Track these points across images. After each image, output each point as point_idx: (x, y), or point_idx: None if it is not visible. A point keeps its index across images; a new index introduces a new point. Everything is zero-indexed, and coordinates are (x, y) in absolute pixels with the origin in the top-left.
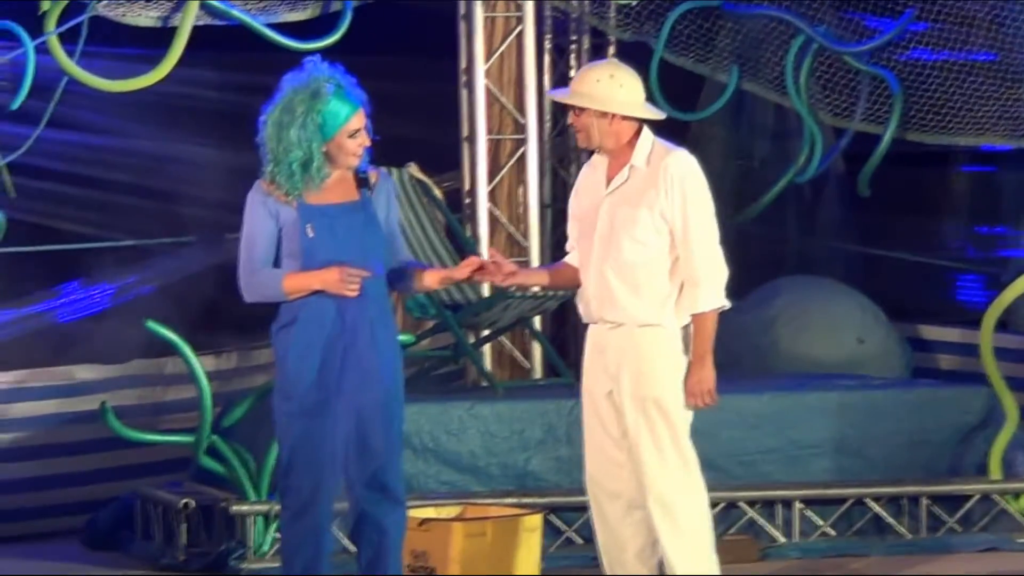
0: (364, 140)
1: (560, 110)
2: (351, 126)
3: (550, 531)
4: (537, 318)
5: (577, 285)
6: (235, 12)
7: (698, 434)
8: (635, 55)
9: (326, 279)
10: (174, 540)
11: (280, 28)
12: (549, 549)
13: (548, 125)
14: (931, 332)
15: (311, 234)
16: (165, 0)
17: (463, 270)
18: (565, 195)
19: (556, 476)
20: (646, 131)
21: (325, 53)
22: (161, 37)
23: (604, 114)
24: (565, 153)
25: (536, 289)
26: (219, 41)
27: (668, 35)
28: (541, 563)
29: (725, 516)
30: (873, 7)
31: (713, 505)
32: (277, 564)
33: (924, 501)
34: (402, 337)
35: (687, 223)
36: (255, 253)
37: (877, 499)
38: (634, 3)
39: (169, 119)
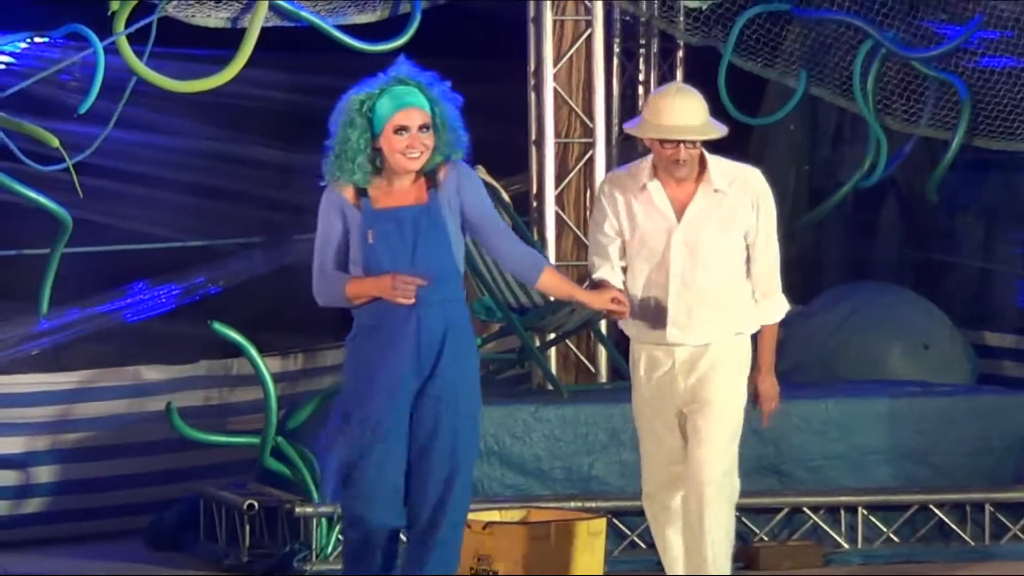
0: (413, 141)
1: (628, 113)
2: (396, 121)
3: (614, 535)
4: (603, 322)
5: None
6: (304, 14)
7: (764, 439)
8: (703, 59)
9: (379, 285)
10: (238, 541)
11: (348, 30)
12: (613, 553)
13: (616, 129)
14: (996, 339)
15: (371, 240)
16: (234, 1)
17: (600, 301)
18: None
19: (620, 480)
20: (704, 151)
21: (394, 55)
22: (229, 38)
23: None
24: (632, 157)
25: None
26: (288, 43)
27: (736, 39)
28: (605, 567)
29: (789, 521)
30: (942, 13)
31: (777, 510)
32: (340, 566)
33: (988, 508)
34: None
35: (768, 238)
36: (324, 255)
37: (941, 505)
38: (704, 7)
39: (237, 120)
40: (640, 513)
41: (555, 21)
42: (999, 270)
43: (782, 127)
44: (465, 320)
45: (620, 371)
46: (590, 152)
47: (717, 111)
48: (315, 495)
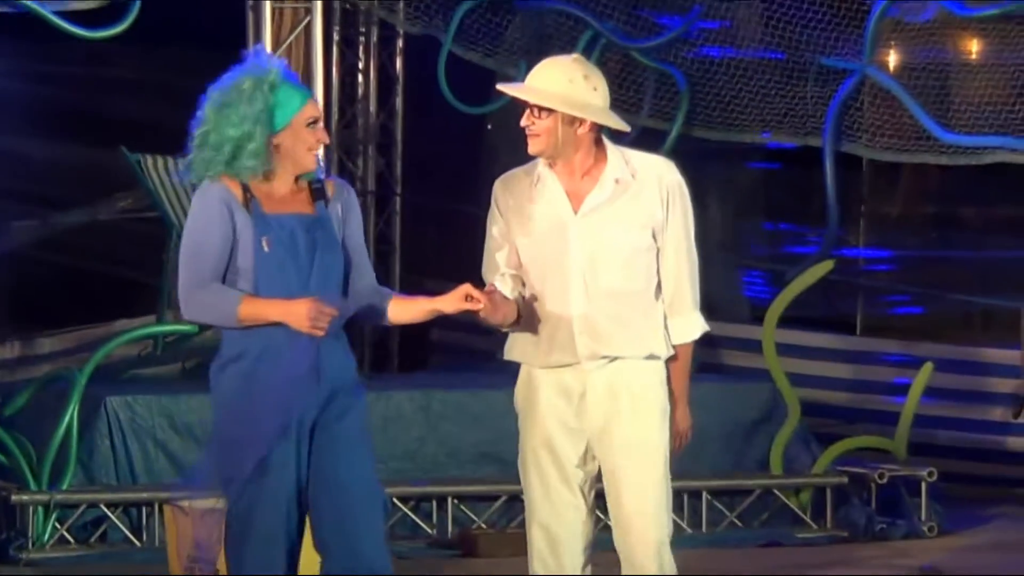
0: (323, 135)
1: (347, 101)
2: (307, 113)
3: None
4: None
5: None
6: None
7: (484, 426)
8: (425, 48)
9: (292, 311)
10: None
11: (68, 16)
12: None
13: (335, 117)
14: (715, 327)
15: (266, 248)
16: None
17: (453, 301)
18: (352, 186)
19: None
20: (605, 139)
21: (115, 41)
22: None
23: (573, 120)
24: (352, 145)
25: None
26: (9, 29)
27: (457, 29)
28: None
29: (509, 508)
30: (662, 4)
31: (496, 497)
32: (57, 554)
33: (705, 496)
34: (186, 327)
35: (679, 241)
36: (204, 263)
37: None
38: None
39: None
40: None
41: (274, 8)
42: (722, 259)
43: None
44: (347, 343)
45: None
46: None
47: (437, 100)
48: (31, 483)
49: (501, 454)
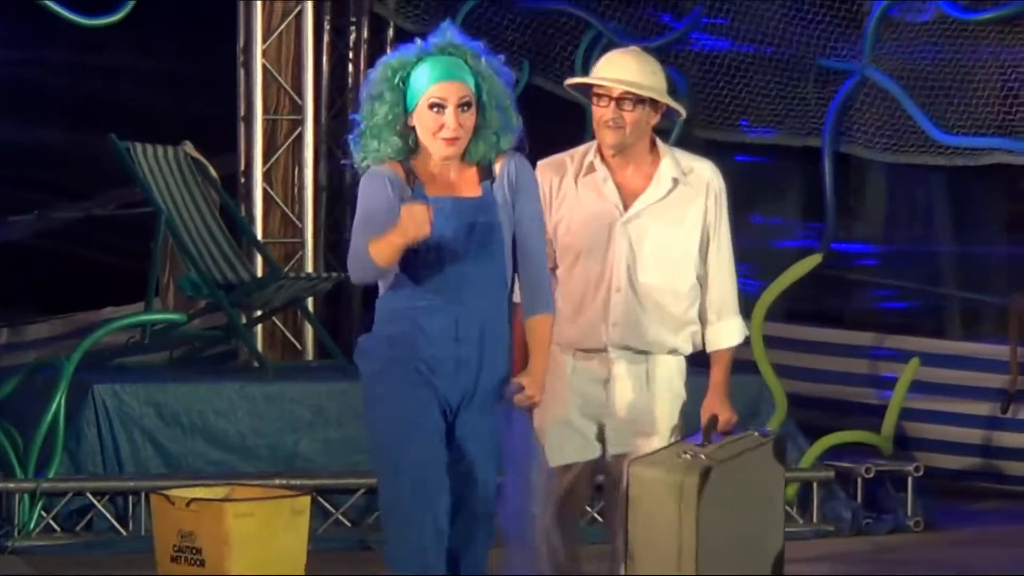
0: (450, 120)
1: (337, 91)
2: (431, 95)
3: (318, 513)
4: (310, 299)
5: None
6: None
7: None
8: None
9: (400, 224)
10: None
11: (65, 2)
12: (317, 531)
13: (325, 106)
14: None
15: None
16: None
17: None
18: (341, 177)
19: (325, 458)
20: (659, 140)
21: (115, 29)
22: None
23: (656, 110)
24: (342, 135)
25: (310, 270)
26: (11, 15)
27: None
28: (309, 545)
29: None
30: (664, 3)
31: None
32: (43, 542)
33: None
34: (174, 316)
35: (727, 250)
36: (365, 234)
37: None
38: None
39: None
40: (344, 491)
41: None
42: None
43: None
44: (505, 330)
45: (326, 349)
46: (299, 129)
47: None
48: (18, 470)
49: None
